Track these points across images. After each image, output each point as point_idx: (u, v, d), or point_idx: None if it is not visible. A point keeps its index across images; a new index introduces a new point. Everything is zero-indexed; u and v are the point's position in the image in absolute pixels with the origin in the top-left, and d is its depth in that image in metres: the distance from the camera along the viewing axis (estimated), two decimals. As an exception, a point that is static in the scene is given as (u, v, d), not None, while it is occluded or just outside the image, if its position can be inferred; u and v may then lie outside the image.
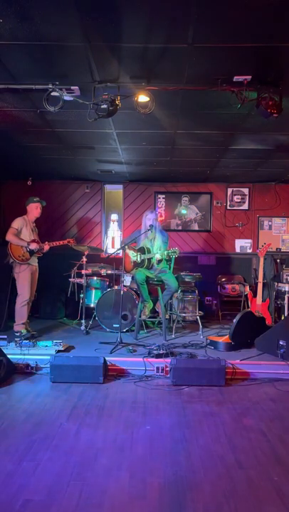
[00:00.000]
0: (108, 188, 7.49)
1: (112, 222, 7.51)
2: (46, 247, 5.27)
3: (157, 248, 5.39)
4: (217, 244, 7.38)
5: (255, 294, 6.31)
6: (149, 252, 5.43)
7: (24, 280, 5.12)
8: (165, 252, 5.26)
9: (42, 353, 4.36)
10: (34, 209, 5.29)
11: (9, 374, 4.04)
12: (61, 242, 5.51)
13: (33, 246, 5.14)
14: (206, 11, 2.43)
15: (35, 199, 5.33)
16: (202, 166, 6.18)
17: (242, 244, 7.37)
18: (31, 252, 5.15)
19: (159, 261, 5.46)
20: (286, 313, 6.08)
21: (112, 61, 3.04)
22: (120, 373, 4.19)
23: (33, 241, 5.19)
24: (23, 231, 5.19)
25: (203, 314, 6.03)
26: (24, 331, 5.03)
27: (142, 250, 5.48)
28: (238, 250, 7.37)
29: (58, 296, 6.66)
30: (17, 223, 5.18)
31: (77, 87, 3.45)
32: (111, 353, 4.52)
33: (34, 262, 5.29)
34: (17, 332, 5.01)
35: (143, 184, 7.33)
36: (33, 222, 5.36)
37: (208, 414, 3.27)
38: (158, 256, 5.34)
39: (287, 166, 6.08)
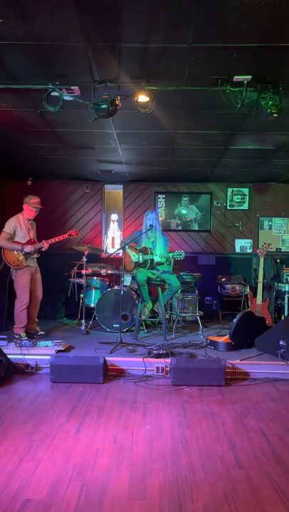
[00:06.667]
0: (108, 188, 7.49)
1: (112, 222, 7.51)
2: (45, 245, 5.03)
3: (159, 250, 5.37)
4: (217, 244, 7.38)
5: (255, 294, 6.31)
6: (152, 252, 5.40)
7: (23, 284, 4.97)
8: (170, 255, 5.23)
9: (42, 353, 4.36)
10: (29, 211, 5.05)
11: (9, 374, 4.04)
12: (61, 237, 5.21)
13: (28, 249, 4.92)
14: (206, 11, 2.43)
15: (33, 206, 5.02)
16: (202, 166, 6.18)
17: (242, 244, 7.37)
18: (27, 255, 4.95)
19: (162, 263, 5.45)
20: (286, 313, 6.08)
21: (112, 61, 3.04)
22: (120, 373, 4.19)
23: (29, 242, 4.98)
24: (17, 233, 4.98)
25: (203, 314, 6.03)
26: (23, 334, 4.97)
27: (144, 250, 5.46)
28: (238, 250, 7.37)
29: (58, 296, 6.65)
30: (9, 226, 4.95)
31: (77, 87, 3.45)
32: (111, 353, 4.52)
33: (32, 263, 5.08)
34: (16, 335, 4.95)
35: (143, 184, 7.33)
36: (29, 220, 5.11)
37: (208, 414, 3.27)
38: (160, 259, 5.28)
39: (287, 166, 6.09)
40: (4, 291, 5.58)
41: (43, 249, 5.09)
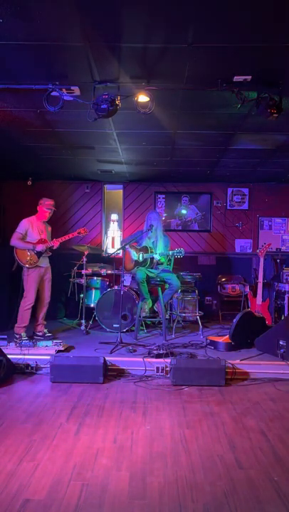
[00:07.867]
0: (108, 188, 7.48)
1: (112, 222, 7.51)
2: (56, 243, 5.10)
3: (160, 250, 5.38)
4: (217, 244, 7.38)
5: (255, 294, 6.31)
6: (152, 251, 5.43)
7: (31, 284, 4.99)
8: (170, 253, 5.27)
9: (42, 353, 4.37)
10: (43, 212, 5.14)
11: (9, 374, 4.04)
12: (71, 235, 5.31)
13: (40, 247, 4.98)
14: (206, 11, 2.43)
15: (47, 207, 5.11)
16: (202, 166, 6.18)
17: (242, 244, 7.37)
18: (39, 254, 5.00)
19: (162, 263, 5.47)
20: (286, 313, 6.08)
21: (112, 61, 3.04)
22: (120, 373, 4.19)
23: (40, 241, 5.03)
24: (29, 233, 5.03)
25: (203, 314, 6.03)
26: (24, 334, 4.96)
27: (144, 249, 5.48)
28: (238, 250, 7.37)
29: (58, 296, 6.61)
30: (21, 226, 5.04)
31: (77, 87, 3.45)
32: (111, 353, 4.52)
33: (43, 263, 5.10)
34: (17, 334, 4.95)
35: (143, 184, 7.33)
36: (43, 222, 5.19)
37: (208, 414, 3.27)
38: (160, 258, 5.34)
39: (287, 166, 6.08)
40: (7, 290, 5.58)
41: (54, 248, 5.15)
